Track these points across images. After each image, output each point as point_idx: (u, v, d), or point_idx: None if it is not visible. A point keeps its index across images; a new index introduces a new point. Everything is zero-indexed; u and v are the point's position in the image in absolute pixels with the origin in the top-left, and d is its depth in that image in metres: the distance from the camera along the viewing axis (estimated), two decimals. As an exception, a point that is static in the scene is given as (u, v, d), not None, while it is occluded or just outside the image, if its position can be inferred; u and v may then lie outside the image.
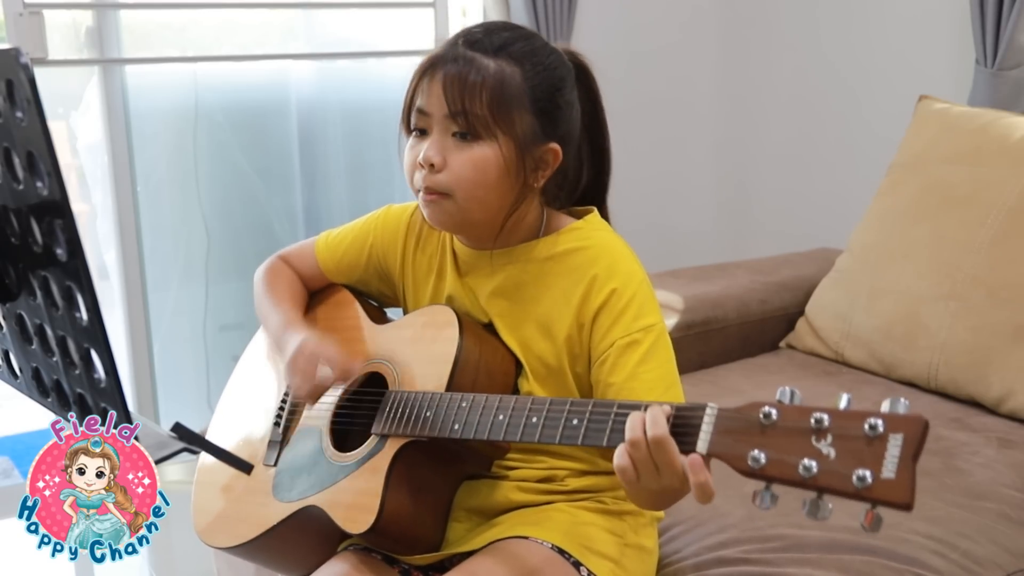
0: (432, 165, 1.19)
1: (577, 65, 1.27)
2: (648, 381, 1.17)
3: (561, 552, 1.19)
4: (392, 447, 1.19)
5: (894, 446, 0.82)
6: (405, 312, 1.39)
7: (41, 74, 2.27)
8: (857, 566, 1.32)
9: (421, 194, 1.22)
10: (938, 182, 2.04)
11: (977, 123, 2.05)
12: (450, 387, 1.19)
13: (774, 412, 0.89)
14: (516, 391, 1.25)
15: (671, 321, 2.12)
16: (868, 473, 0.82)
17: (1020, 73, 2.37)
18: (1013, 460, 1.64)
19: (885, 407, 0.84)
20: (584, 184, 1.32)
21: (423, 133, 1.21)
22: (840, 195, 2.89)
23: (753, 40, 3.16)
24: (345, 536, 1.25)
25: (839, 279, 2.16)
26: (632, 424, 0.98)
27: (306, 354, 1.24)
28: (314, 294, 1.46)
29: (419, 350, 1.26)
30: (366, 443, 1.23)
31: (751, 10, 3.15)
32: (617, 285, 1.21)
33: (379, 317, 1.41)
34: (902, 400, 0.84)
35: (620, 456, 0.99)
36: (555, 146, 1.22)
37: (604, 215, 1.33)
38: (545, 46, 1.23)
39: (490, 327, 1.28)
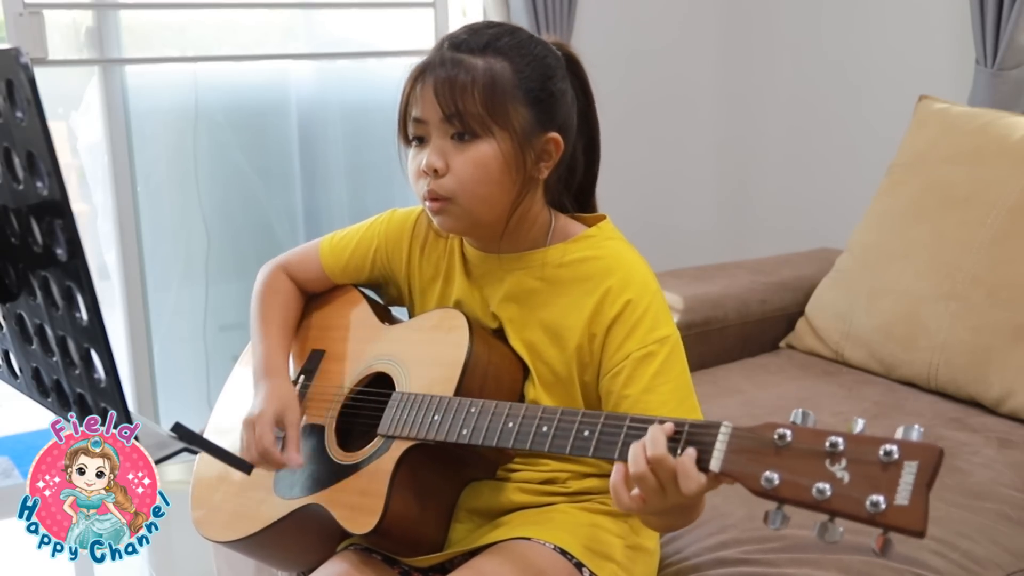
0: (436, 171, 1.18)
1: (566, 56, 1.26)
2: (663, 394, 1.17)
3: (564, 553, 1.19)
4: (398, 449, 1.19)
5: (909, 473, 0.82)
6: (411, 316, 1.38)
7: (41, 74, 2.27)
8: (857, 566, 1.32)
9: (428, 202, 1.21)
10: (938, 182, 2.04)
11: (977, 123, 2.05)
12: (458, 391, 1.18)
13: (789, 433, 0.89)
14: (522, 397, 1.25)
15: (671, 321, 2.13)
16: (882, 499, 0.82)
17: (1020, 73, 2.37)
18: (1013, 460, 1.65)
19: (899, 433, 0.84)
20: (579, 175, 1.31)
21: (422, 141, 1.21)
22: (840, 195, 2.89)
23: (753, 39, 3.16)
24: (345, 535, 1.25)
25: (839, 279, 2.16)
26: (635, 456, 0.97)
27: (265, 421, 1.25)
28: (323, 292, 1.46)
29: (427, 352, 1.26)
30: (371, 443, 1.22)
31: (751, 9, 3.15)
32: (632, 296, 1.20)
33: (387, 316, 1.40)
34: (916, 427, 0.84)
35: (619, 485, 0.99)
36: (555, 135, 1.22)
37: (593, 205, 1.33)
38: (531, 38, 1.23)
39: (498, 332, 1.28)
